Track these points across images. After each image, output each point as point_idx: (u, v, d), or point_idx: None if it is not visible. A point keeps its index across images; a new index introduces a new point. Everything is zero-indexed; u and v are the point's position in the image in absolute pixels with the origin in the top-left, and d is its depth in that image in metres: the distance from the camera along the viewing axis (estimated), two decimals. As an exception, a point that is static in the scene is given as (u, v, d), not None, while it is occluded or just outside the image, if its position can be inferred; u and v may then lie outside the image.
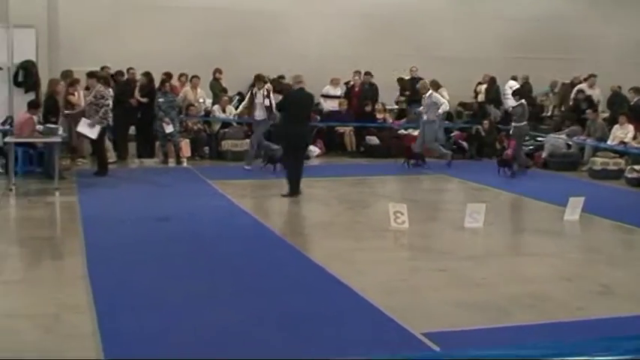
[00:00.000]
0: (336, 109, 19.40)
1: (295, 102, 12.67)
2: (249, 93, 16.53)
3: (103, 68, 16.76)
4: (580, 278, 7.91)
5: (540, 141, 18.13)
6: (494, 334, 6.06)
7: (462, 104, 20.99)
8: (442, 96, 17.30)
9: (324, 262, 8.12)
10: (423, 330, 6.01)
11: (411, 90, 19.50)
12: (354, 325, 6.24)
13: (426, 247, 9.31)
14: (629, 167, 15.34)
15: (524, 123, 15.85)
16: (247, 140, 17.71)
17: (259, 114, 15.64)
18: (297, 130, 12.51)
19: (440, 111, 16.56)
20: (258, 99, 15.63)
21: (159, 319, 6.27)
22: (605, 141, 16.95)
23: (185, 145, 16.68)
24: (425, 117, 16.52)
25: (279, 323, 6.26)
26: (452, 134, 19.47)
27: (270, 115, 15.50)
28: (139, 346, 5.66)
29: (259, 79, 15.85)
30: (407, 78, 20.09)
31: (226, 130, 17.85)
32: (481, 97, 20.64)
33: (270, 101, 15.45)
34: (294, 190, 12.41)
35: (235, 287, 7.29)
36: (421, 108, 17.03)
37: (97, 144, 14.62)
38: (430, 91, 16.66)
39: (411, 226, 9.99)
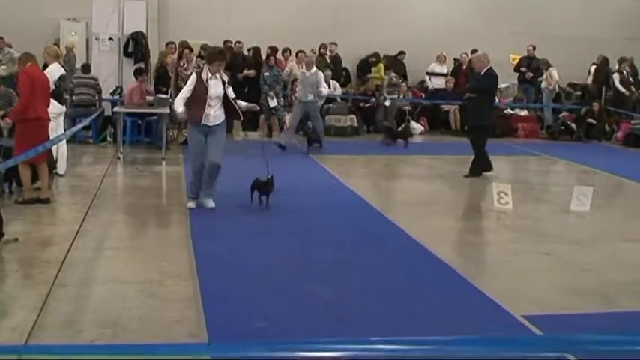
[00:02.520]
0: (442, 86, 19.20)
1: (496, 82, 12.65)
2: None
3: (225, 42, 17.09)
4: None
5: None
6: (597, 320, 5.92)
7: (571, 85, 20.41)
8: (551, 75, 16.80)
9: (425, 240, 8.08)
10: (524, 313, 5.92)
11: (527, 68, 19.12)
12: (453, 303, 6.21)
13: (530, 230, 9.13)
14: None
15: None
16: (352, 116, 17.77)
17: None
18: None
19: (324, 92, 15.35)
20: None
21: (260, 287, 6.39)
22: None
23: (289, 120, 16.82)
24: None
25: (378, 296, 6.28)
26: (560, 115, 19.00)
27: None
28: (238, 310, 5.78)
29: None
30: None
31: (330, 105, 17.92)
32: (590, 79, 20.03)
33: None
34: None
35: (335, 260, 7.35)
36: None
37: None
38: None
39: (515, 207, 9.82)
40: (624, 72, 19.16)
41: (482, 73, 12.37)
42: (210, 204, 9.29)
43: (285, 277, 6.74)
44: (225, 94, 9.07)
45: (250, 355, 3.05)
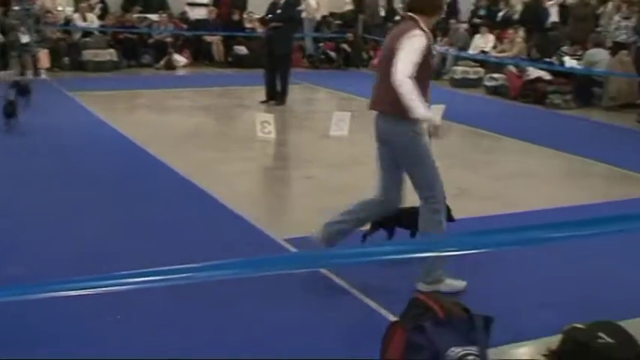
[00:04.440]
0: (204, 17, 19.03)
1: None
2: None
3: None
4: (438, 182, 8.22)
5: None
6: (355, 238, 6.24)
7: (332, 14, 20.97)
8: (309, 4, 17.20)
9: (188, 172, 8.09)
10: (286, 236, 6.13)
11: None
12: (217, 233, 6.29)
13: (292, 156, 9.41)
14: (487, 75, 15.90)
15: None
16: (111, 50, 17.15)
17: None
18: None
19: None
20: None
21: (10, 230, 6.12)
22: (467, 50, 17.45)
23: (44, 56, 15.95)
24: None
25: (141, 230, 6.24)
26: (320, 44, 19.55)
27: None
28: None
29: None
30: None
31: (87, 39, 17.20)
32: (349, 6, 20.69)
33: None
34: None
35: (93, 199, 7.17)
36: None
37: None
38: None
39: (278, 135, 10.06)
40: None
41: (282, 1, 12.56)
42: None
43: (43, 219, 6.49)
44: None
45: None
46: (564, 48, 15.48)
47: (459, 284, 5.09)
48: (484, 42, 17.28)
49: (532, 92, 14.48)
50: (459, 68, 16.66)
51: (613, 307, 4.84)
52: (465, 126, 11.63)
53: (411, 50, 4.81)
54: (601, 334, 3.54)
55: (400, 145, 5.03)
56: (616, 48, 14.47)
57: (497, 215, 6.94)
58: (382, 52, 5.26)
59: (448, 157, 9.63)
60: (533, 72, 14.83)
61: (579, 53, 14.96)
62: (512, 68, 15.35)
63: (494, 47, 17.11)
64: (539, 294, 5.18)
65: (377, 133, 5.23)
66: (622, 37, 14.70)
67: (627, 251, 5.91)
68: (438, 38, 18.93)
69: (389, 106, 4.97)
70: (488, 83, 15.61)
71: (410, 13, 5.01)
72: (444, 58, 17.90)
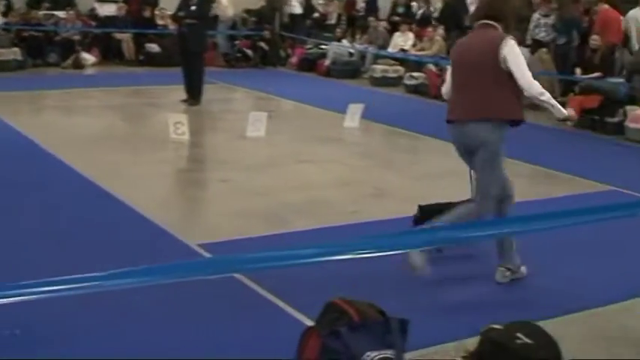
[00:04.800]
0: (114, 14, 18.72)
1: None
2: None
3: None
4: (356, 183, 8.29)
5: (323, 49, 18.55)
6: (273, 241, 6.24)
7: (246, 11, 20.90)
8: (220, 2, 17.11)
9: (97, 176, 7.93)
10: (200, 241, 6.08)
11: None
12: (125, 238, 6.19)
13: (207, 158, 9.35)
14: (407, 74, 16.10)
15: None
16: (15, 49, 16.72)
17: None
18: None
19: None
20: None
21: None
22: (386, 48, 17.64)
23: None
24: None
25: (39, 240, 6.10)
26: (236, 42, 19.47)
27: None
28: None
29: None
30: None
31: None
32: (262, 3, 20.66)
33: None
34: None
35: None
36: None
37: None
38: None
39: (192, 137, 9.98)
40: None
41: None
42: None
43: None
44: None
45: None
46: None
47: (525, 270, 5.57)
48: (403, 40, 17.49)
49: (452, 91, 14.69)
50: (379, 67, 16.82)
51: (532, 307, 4.97)
52: (384, 125, 11.75)
53: (517, 56, 5.16)
54: (519, 335, 3.59)
55: (490, 149, 5.31)
56: (536, 46, 14.83)
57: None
58: (464, 60, 5.38)
59: (367, 157, 9.76)
60: (453, 70, 15.07)
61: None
62: (431, 67, 15.58)
63: (414, 45, 17.34)
64: (457, 294, 5.26)
65: (466, 142, 5.40)
66: (541, 34, 15.06)
67: (546, 251, 6.05)
68: (357, 36, 19.12)
69: (486, 113, 5.24)
70: (408, 82, 15.81)
71: (487, 21, 5.29)
72: (363, 57, 18.06)
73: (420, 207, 6.19)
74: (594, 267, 5.98)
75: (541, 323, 3.95)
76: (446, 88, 5.67)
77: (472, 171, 5.60)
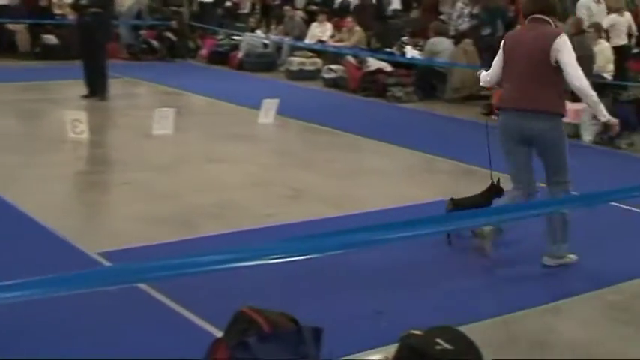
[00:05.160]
0: (6, 3, 18.30)
1: None
2: None
3: None
4: (271, 184, 8.29)
5: (236, 40, 18.50)
6: (179, 248, 6.18)
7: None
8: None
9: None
10: (100, 249, 5.98)
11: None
12: (18, 248, 6.04)
13: (109, 159, 9.21)
14: (325, 67, 16.18)
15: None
16: None
17: None
18: None
19: None
20: None
21: None
22: (303, 40, 17.69)
23: None
24: None
25: None
26: (141, 32, 19.25)
27: None
28: None
29: None
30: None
31: None
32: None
33: None
34: None
35: None
36: None
37: None
38: None
39: (93, 136, 9.82)
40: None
41: None
42: None
43: None
44: None
45: None
46: (405, 38, 15.99)
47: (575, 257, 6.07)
48: (321, 31, 17.57)
49: (372, 84, 14.87)
50: (295, 59, 16.86)
51: (453, 312, 5.05)
52: (301, 122, 11.79)
53: (570, 51, 5.74)
54: (439, 340, 3.66)
55: (552, 141, 5.91)
56: (459, 37, 15.08)
57: (335, 217, 7.06)
58: (519, 52, 5.94)
59: (283, 156, 9.78)
60: (374, 63, 15.23)
61: (421, 44, 15.49)
62: (351, 59, 15.70)
63: (332, 36, 17.44)
64: (376, 300, 5.31)
65: (521, 131, 5.94)
66: (464, 25, 15.35)
67: (465, 254, 6.17)
68: (272, 26, 19.13)
69: (545, 105, 5.81)
70: (326, 75, 15.88)
71: (541, 15, 5.90)
72: (278, 49, 18.07)
73: (453, 200, 6.55)
74: (514, 267, 6.12)
75: (464, 328, 4.03)
76: (490, 76, 6.27)
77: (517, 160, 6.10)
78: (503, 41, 6.17)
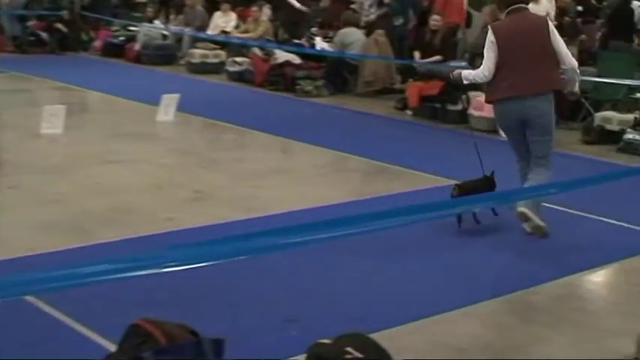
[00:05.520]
0: None
1: None
2: None
3: None
4: (172, 185, 8.22)
5: (132, 31, 18.30)
6: (71, 256, 6.08)
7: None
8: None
9: None
10: (-16, 260, 5.84)
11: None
12: None
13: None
14: (230, 60, 16.13)
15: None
16: None
17: None
18: None
19: None
20: None
21: None
22: (205, 30, 17.59)
23: None
24: None
25: None
26: (28, 23, 18.88)
27: None
28: None
29: None
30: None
31: None
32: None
33: None
34: None
35: None
36: None
37: None
38: None
39: (-27, 137, 9.59)
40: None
41: None
42: None
43: None
44: None
45: None
46: (314, 29, 16.05)
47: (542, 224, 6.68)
48: (225, 21, 17.51)
49: (280, 78, 14.87)
50: (197, 51, 16.77)
51: (365, 318, 5.08)
52: (204, 118, 11.74)
53: (557, 34, 6.67)
54: (349, 349, 3.69)
55: (548, 120, 6.72)
56: (371, 28, 15.19)
57: (240, 221, 7.04)
58: (518, 41, 6.65)
59: (185, 155, 9.72)
60: (281, 55, 15.22)
61: (331, 35, 15.56)
62: (257, 51, 15.66)
63: (237, 27, 17.39)
64: (283, 309, 5.30)
65: (524, 116, 6.66)
66: (371, 16, 15.49)
67: (379, 255, 6.22)
68: (172, 16, 18.96)
69: (551, 84, 6.67)
70: (230, 68, 15.84)
71: (522, 5, 6.69)
72: (178, 40, 17.93)
73: (458, 186, 6.91)
74: (431, 269, 6.21)
75: (376, 335, 4.07)
76: (489, 72, 6.72)
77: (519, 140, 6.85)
78: (492, 35, 6.68)
